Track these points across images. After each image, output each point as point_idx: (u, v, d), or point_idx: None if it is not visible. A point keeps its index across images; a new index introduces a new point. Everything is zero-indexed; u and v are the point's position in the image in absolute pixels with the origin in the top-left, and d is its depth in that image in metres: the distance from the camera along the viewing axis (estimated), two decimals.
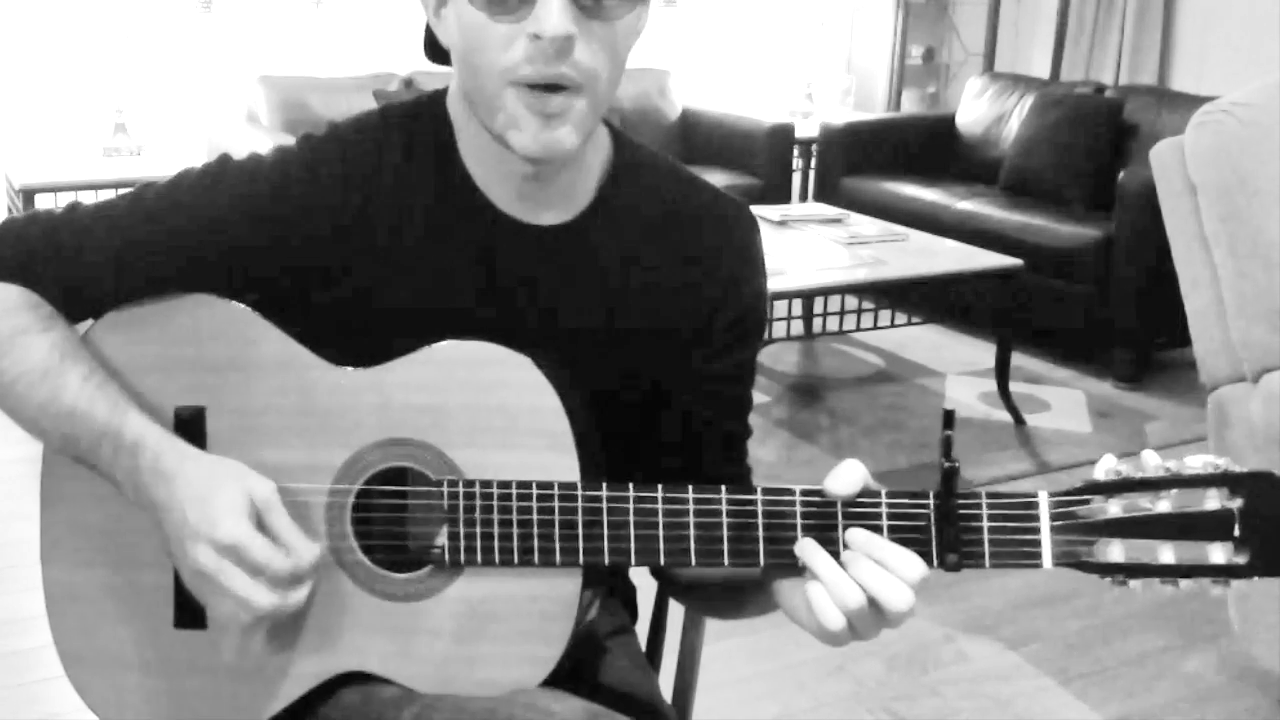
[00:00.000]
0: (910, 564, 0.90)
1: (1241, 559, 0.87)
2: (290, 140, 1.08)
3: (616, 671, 1.18)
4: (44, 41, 4.37)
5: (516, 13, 0.91)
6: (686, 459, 1.12)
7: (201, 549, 0.94)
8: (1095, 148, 4.51)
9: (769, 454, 3.43)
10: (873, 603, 0.89)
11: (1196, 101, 2.54)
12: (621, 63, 0.97)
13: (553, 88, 0.93)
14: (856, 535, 0.91)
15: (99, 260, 1.03)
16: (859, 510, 0.92)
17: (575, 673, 1.04)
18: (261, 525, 0.95)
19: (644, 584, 1.27)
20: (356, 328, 1.04)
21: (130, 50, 4.48)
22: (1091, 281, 4.09)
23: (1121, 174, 4.04)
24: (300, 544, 0.96)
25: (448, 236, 1.05)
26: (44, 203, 3.98)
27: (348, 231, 1.03)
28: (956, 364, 4.29)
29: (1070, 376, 4.20)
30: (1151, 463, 0.89)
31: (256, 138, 4.21)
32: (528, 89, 0.93)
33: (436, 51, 1.06)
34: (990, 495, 0.91)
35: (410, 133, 1.06)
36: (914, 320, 3.99)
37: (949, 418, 0.92)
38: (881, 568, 0.90)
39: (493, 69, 0.93)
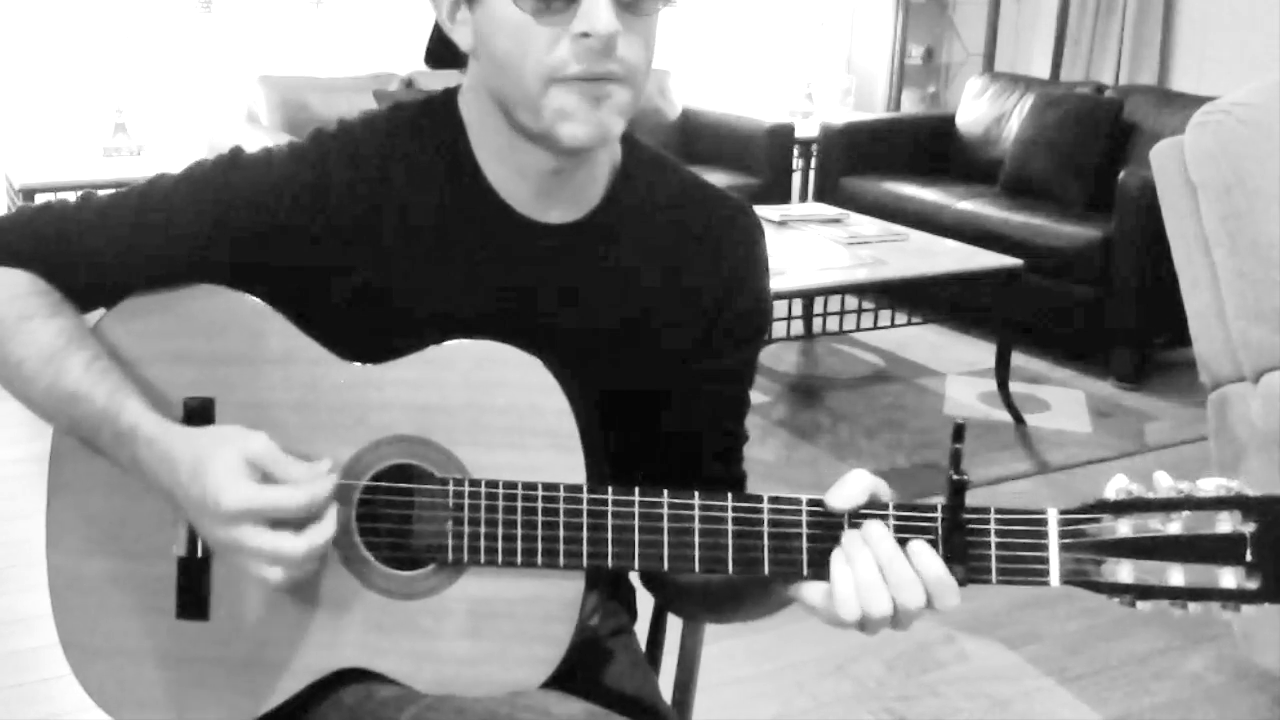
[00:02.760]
0: (945, 586, 0.90)
1: (1253, 584, 0.86)
2: (293, 138, 1.08)
3: (616, 672, 1.18)
4: (44, 41, 4.36)
5: (562, 14, 0.92)
6: (684, 458, 1.13)
7: (216, 527, 0.94)
8: (1095, 148, 4.51)
9: (769, 454, 3.43)
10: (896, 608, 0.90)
11: (1196, 101, 2.54)
12: (653, 53, 0.99)
13: (599, 79, 0.94)
14: (915, 547, 0.91)
15: (108, 250, 1.03)
16: (865, 520, 0.92)
17: (575, 673, 1.04)
18: (267, 478, 0.95)
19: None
20: (367, 325, 1.04)
21: (130, 50, 4.48)
22: (1091, 281, 4.09)
23: (1121, 174, 4.04)
24: (309, 474, 0.95)
25: (459, 234, 1.05)
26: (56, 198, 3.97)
27: (357, 230, 1.04)
28: (956, 364, 4.29)
29: (1070, 376, 4.20)
30: (1163, 483, 0.88)
31: (256, 138, 4.21)
32: (572, 83, 0.94)
33: (439, 59, 1.06)
34: (999, 511, 0.90)
35: (421, 130, 1.06)
36: (914, 320, 3.99)
37: (959, 431, 0.91)
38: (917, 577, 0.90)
39: (536, 70, 0.94)
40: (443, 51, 1.05)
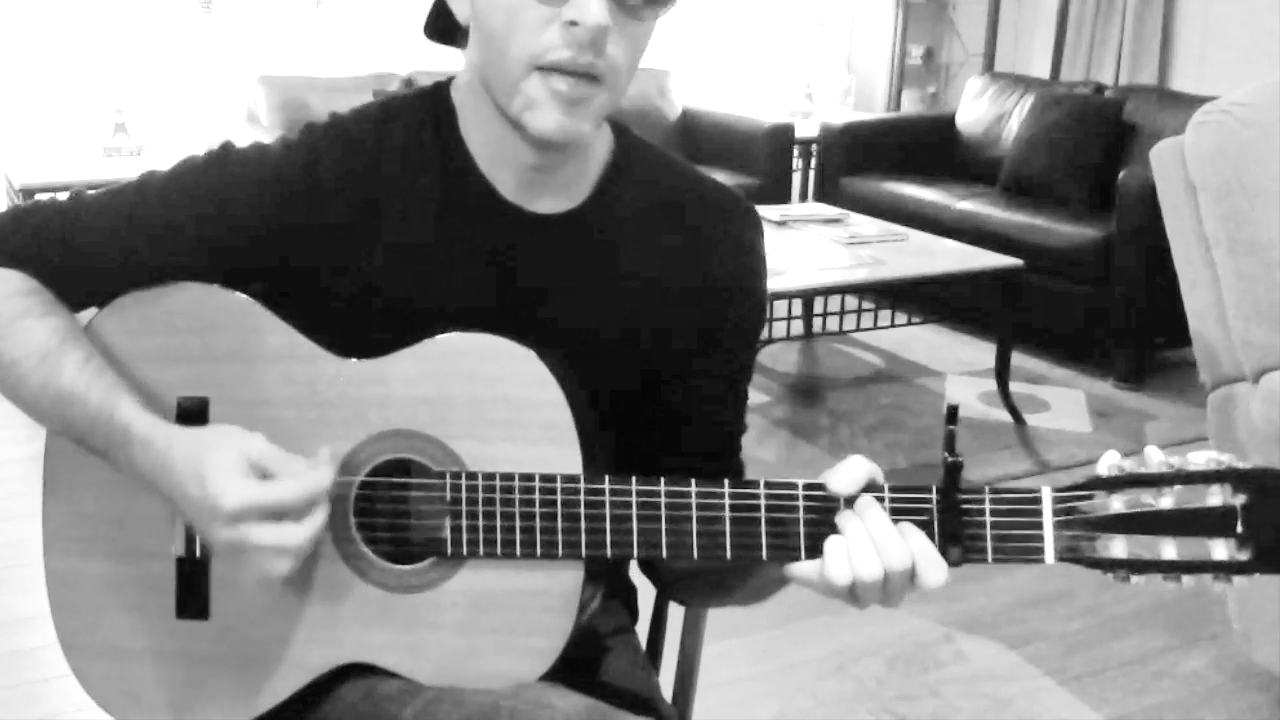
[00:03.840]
0: (932, 565, 0.90)
1: (1244, 555, 0.87)
2: (288, 134, 1.08)
3: (617, 670, 1.18)
4: (44, 41, 4.37)
5: None
6: (682, 453, 1.12)
7: (217, 528, 0.93)
8: (1095, 148, 4.51)
9: (769, 454, 3.43)
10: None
11: (1196, 101, 2.54)
12: (638, 62, 0.98)
13: (581, 75, 0.94)
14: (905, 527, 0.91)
15: (101, 249, 1.03)
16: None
17: (575, 671, 1.04)
18: (265, 477, 0.94)
19: (644, 584, 1.27)
20: (361, 319, 1.04)
21: (130, 50, 4.48)
22: (1091, 281, 4.09)
23: (1121, 174, 4.04)
24: (307, 469, 0.95)
25: (452, 225, 1.05)
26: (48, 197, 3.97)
27: (350, 223, 1.04)
28: (956, 364, 4.29)
29: (1070, 376, 4.20)
30: (1155, 459, 0.90)
31: (256, 138, 4.20)
32: (553, 73, 0.93)
33: (439, 31, 1.06)
34: (993, 490, 0.91)
35: (413, 121, 1.06)
36: (914, 320, 3.99)
37: (953, 413, 0.92)
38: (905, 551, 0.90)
39: (521, 51, 0.94)
40: (442, 24, 1.05)
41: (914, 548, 0.90)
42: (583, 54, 0.93)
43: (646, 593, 1.29)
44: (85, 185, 3.99)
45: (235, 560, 0.96)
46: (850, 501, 0.92)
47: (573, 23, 0.91)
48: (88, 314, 1.06)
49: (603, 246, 1.07)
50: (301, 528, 0.93)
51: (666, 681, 1.28)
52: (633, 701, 1.14)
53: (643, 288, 1.08)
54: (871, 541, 0.90)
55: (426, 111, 1.06)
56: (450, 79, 1.08)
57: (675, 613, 1.28)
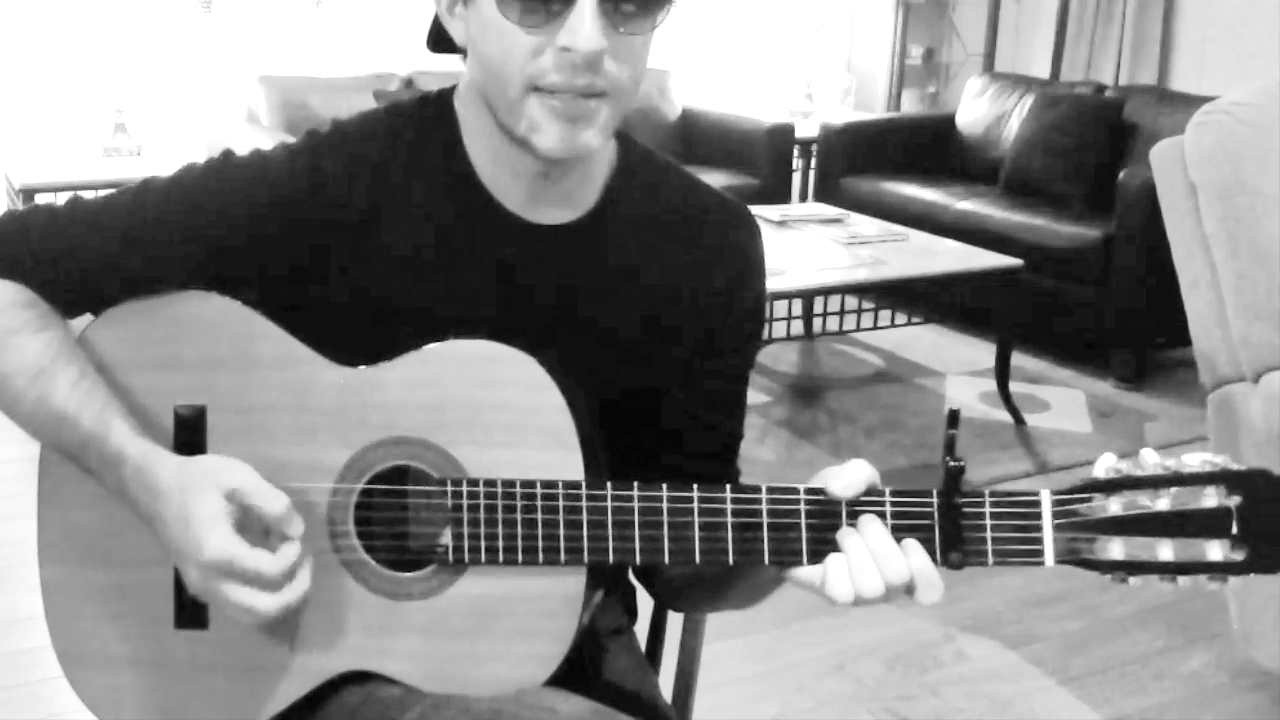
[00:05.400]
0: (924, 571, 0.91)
1: (1239, 556, 0.88)
2: (292, 139, 1.08)
3: (616, 671, 1.18)
4: (44, 41, 4.37)
5: (548, 24, 0.92)
6: (680, 458, 1.12)
7: (192, 570, 0.94)
8: (1095, 148, 4.51)
9: (769, 454, 3.43)
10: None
11: (1196, 101, 2.54)
12: (643, 71, 0.99)
13: (581, 94, 0.94)
14: (911, 545, 0.92)
15: (98, 258, 1.02)
16: (863, 509, 0.93)
17: (575, 672, 1.04)
18: (246, 519, 0.94)
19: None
20: (362, 326, 1.04)
21: (130, 50, 4.48)
22: (1091, 281, 4.09)
23: (1121, 174, 4.04)
24: (285, 512, 0.94)
25: (454, 234, 1.05)
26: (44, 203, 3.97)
27: (352, 230, 1.03)
28: (956, 364, 4.29)
29: (1070, 376, 4.20)
30: (1151, 461, 0.91)
31: (256, 138, 4.21)
32: (551, 94, 0.94)
33: (439, 43, 1.06)
34: (993, 494, 0.92)
35: (416, 130, 1.06)
36: (914, 320, 3.99)
37: (954, 417, 0.93)
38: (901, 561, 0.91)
39: (518, 76, 0.94)
40: (443, 37, 1.05)
41: (914, 565, 0.91)
42: (579, 76, 0.93)
43: (646, 593, 1.29)
44: (85, 185, 4.01)
45: (208, 602, 0.97)
46: (852, 509, 0.92)
47: (566, 48, 0.92)
48: (84, 320, 1.05)
49: (606, 256, 1.07)
50: (274, 599, 0.93)
51: (666, 681, 1.28)
52: (632, 703, 1.14)
53: (644, 295, 1.08)
54: (872, 557, 0.91)
55: (430, 120, 1.06)
56: (453, 87, 1.08)
57: (675, 612, 1.28)
